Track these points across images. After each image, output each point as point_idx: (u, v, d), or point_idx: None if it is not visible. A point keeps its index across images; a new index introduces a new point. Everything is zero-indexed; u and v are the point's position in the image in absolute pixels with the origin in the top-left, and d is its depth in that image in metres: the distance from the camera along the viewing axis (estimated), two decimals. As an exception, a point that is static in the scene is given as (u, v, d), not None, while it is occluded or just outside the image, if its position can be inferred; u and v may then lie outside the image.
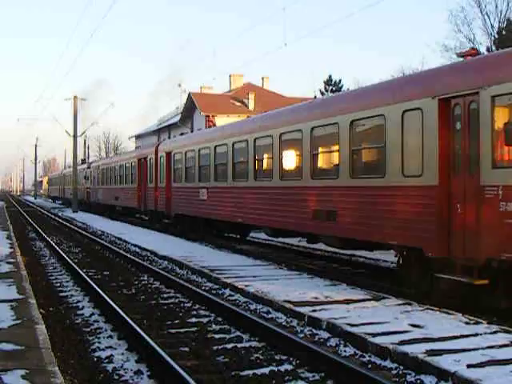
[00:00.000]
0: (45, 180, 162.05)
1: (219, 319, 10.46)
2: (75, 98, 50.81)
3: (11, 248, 19.09)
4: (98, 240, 24.64)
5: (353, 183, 13.33)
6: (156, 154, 29.09)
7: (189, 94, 58.33)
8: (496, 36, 45.15)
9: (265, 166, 18.17)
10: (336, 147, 14.04)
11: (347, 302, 10.96)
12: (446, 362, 7.16)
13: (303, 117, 15.73)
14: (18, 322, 8.57)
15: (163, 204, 27.46)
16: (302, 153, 15.46)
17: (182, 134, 55.09)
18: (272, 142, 17.09)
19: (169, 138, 63.17)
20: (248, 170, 18.57)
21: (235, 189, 19.58)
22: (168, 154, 27.04)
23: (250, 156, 18.46)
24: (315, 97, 51.30)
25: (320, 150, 15.17)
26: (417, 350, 7.70)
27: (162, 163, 28.12)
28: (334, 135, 14.03)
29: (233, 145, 19.79)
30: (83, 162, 65.16)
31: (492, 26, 45.47)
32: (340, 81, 63.23)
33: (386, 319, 9.49)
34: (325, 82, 63.22)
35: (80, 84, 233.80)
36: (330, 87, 61.96)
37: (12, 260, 15.88)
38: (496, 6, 45.65)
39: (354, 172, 13.36)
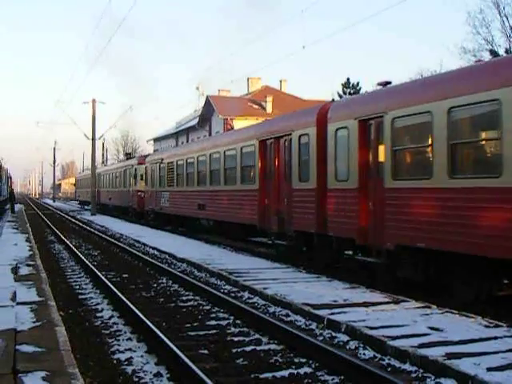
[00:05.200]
0: (63, 183, 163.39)
1: (238, 322, 10.46)
2: (94, 101, 51.11)
3: (30, 251, 19.27)
4: (117, 243, 24.76)
5: None
6: (319, 126, 15.69)
7: (207, 97, 58.61)
8: (515, 37, 44.80)
9: None
10: None
11: (366, 304, 10.93)
12: (465, 366, 7.11)
13: None
14: (38, 324, 8.64)
15: (354, 223, 13.96)
16: None
17: (198, 137, 55.21)
18: None
19: (187, 141, 63.03)
20: None
21: None
22: (363, 124, 13.80)
23: None
24: (333, 100, 51.14)
25: None
26: (436, 353, 7.66)
27: (341, 143, 14.60)
28: None
29: None
30: (128, 156, 51.65)
31: (511, 28, 45.15)
32: (358, 83, 63.04)
33: (405, 322, 9.45)
34: (343, 85, 63.04)
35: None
36: (348, 90, 61.76)
37: (31, 262, 16.02)
38: (515, 8, 45.35)
39: None
